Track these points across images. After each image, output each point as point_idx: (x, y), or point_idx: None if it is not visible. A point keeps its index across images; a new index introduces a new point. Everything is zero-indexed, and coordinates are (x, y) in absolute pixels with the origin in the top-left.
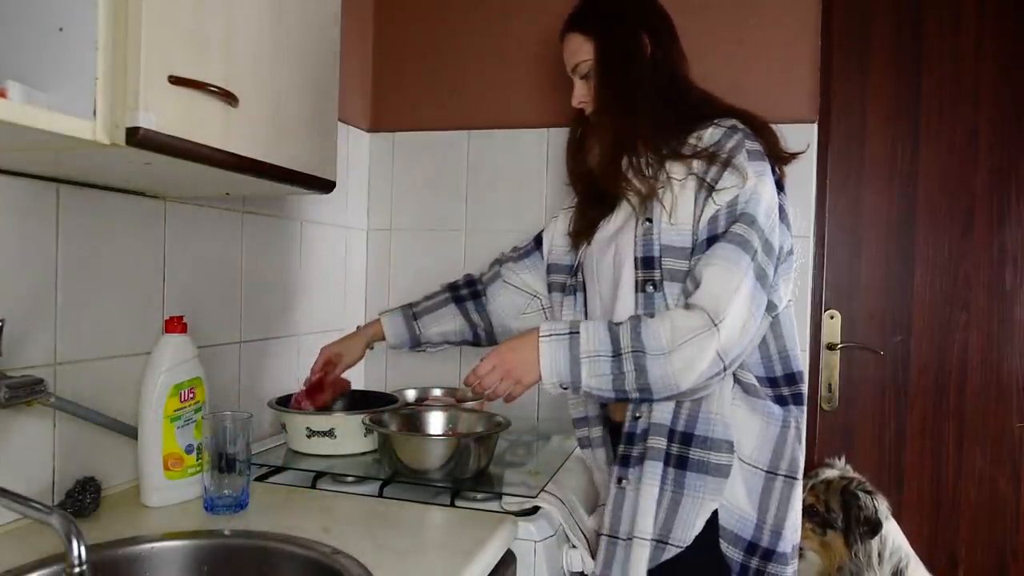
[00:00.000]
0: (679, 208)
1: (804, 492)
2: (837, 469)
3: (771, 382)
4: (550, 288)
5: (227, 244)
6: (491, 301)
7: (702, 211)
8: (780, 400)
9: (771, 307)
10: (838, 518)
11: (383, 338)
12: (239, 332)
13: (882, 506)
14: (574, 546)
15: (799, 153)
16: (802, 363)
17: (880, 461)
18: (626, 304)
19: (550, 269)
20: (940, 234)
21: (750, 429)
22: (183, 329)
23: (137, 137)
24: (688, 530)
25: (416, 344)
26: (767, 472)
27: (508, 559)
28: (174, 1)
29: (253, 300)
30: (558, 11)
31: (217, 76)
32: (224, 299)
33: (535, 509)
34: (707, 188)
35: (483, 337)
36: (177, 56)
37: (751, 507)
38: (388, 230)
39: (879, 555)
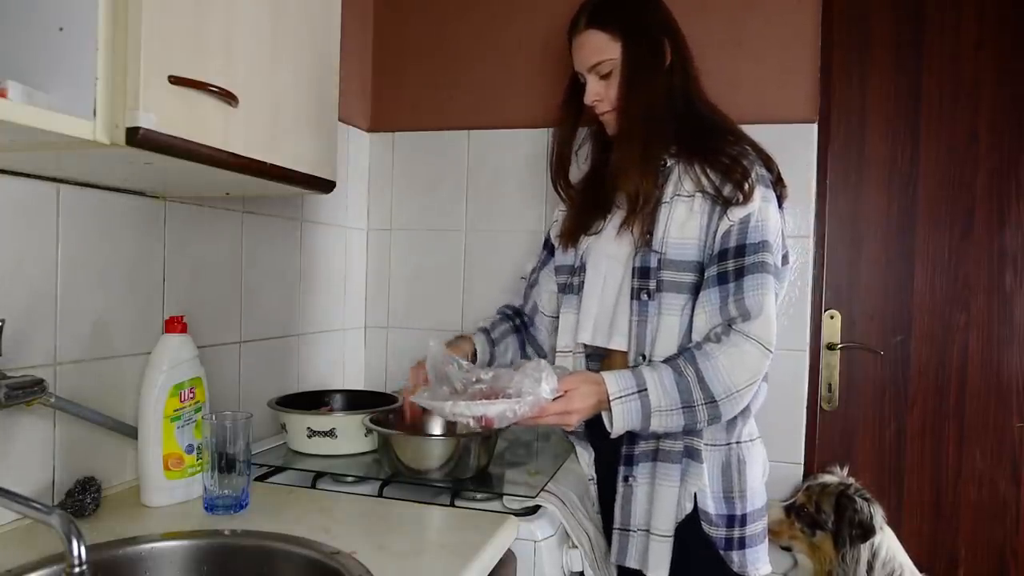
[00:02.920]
0: (688, 223)
1: (799, 493)
2: (837, 476)
3: None
4: (559, 289)
5: (227, 244)
6: (538, 331)
7: (717, 226)
8: None
9: None
10: (828, 519)
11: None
12: (239, 332)
13: (878, 514)
14: (574, 546)
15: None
16: None
17: (880, 461)
18: (623, 310)
19: (556, 270)
20: (940, 234)
21: None
22: (183, 329)
23: (137, 137)
24: (673, 519)
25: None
26: (725, 446)
27: (508, 559)
28: (174, 1)
29: (253, 300)
30: (558, 11)
31: (217, 76)
32: (224, 299)
33: (535, 509)
34: (722, 203)
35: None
36: (177, 56)
37: (719, 482)
38: (388, 230)
39: (870, 564)
